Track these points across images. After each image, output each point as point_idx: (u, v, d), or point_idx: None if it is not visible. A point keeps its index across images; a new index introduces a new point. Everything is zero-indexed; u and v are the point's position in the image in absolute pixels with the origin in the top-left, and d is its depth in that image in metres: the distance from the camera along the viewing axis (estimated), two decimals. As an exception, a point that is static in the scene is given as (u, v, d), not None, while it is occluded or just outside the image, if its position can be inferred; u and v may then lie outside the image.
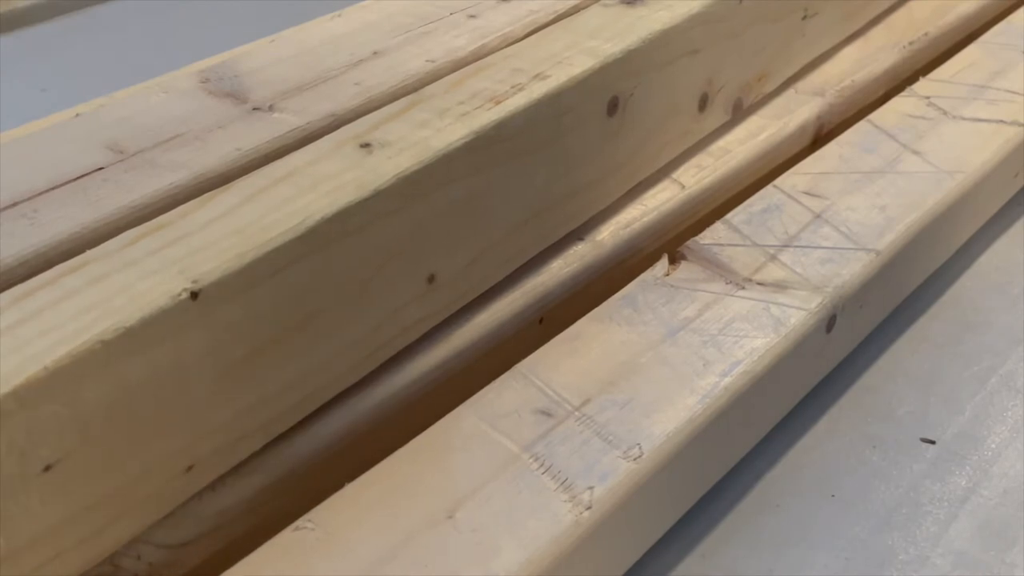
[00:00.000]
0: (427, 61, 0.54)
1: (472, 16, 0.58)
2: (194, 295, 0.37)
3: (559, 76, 0.50)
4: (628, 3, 0.57)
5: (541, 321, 0.52)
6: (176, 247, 0.39)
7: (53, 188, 0.44)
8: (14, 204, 0.43)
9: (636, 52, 0.53)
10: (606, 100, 0.53)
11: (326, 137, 0.46)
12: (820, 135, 0.68)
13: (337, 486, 0.40)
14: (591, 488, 0.41)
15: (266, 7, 0.96)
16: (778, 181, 0.59)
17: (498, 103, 0.48)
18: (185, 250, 0.39)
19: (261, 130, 0.48)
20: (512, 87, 0.49)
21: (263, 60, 0.55)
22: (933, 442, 0.52)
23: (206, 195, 0.42)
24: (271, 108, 0.50)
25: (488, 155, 0.47)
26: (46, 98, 0.85)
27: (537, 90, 0.49)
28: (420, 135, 0.46)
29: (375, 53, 0.55)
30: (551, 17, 0.59)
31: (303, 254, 0.40)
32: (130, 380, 0.36)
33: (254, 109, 0.50)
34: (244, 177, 0.43)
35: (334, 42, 0.56)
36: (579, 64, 0.51)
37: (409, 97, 0.49)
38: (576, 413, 0.44)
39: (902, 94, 0.67)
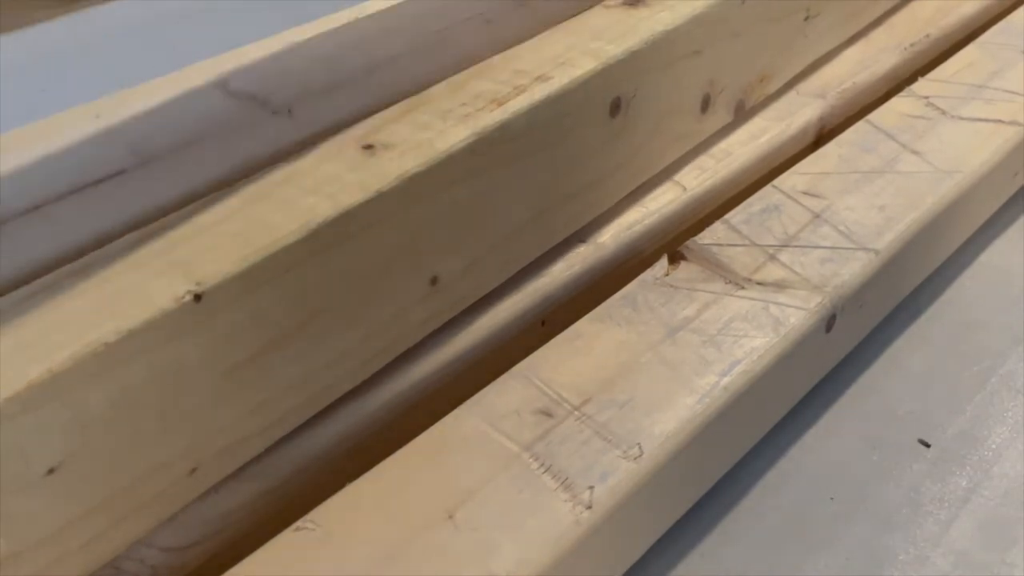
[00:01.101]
0: (444, 66, 0.54)
1: (488, 21, 0.58)
2: (197, 297, 0.37)
3: (561, 78, 0.50)
4: (630, 4, 0.57)
5: (543, 323, 0.53)
6: (179, 249, 0.39)
7: (75, 191, 0.44)
8: (36, 207, 0.43)
9: (638, 53, 0.53)
10: (608, 101, 0.53)
11: (329, 139, 0.46)
12: (822, 136, 0.68)
13: (339, 488, 0.41)
14: (591, 488, 0.41)
15: (266, 7, 0.96)
16: (777, 181, 0.59)
17: (500, 105, 0.48)
18: (188, 252, 0.39)
19: (281, 133, 0.48)
20: (514, 88, 0.49)
21: (282, 63, 0.55)
22: (928, 445, 0.53)
23: (209, 196, 0.42)
24: (291, 111, 0.50)
25: (490, 157, 0.47)
26: (46, 98, 0.85)
27: (539, 92, 0.49)
28: (423, 136, 0.46)
29: (392, 57, 0.55)
30: (560, 21, 0.59)
31: (306, 256, 0.40)
32: (133, 382, 0.36)
33: (274, 112, 0.50)
34: (247, 179, 0.44)
35: (352, 45, 0.56)
36: (581, 65, 0.51)
37: (411, 99, 0.49)
38: (576, 413, 0.44)
39: (901, 94, 0.67)
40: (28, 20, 0.42)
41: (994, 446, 0.53)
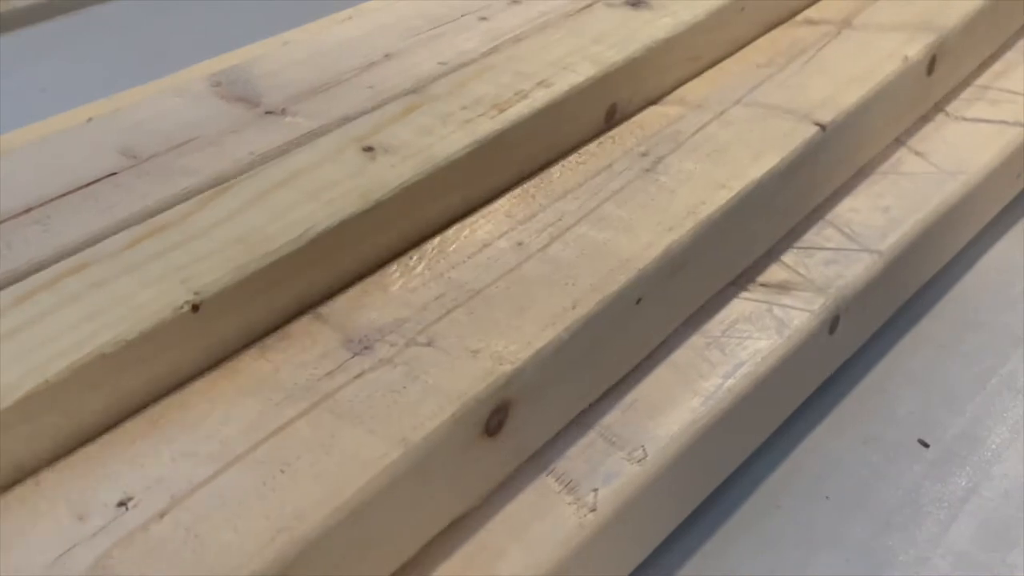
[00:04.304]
0: (439, 64, 0.54)
1: (483, 18, 0.58)
2: (195, 308, 0.37)
3: (561, 85, 0.49)
4: (633, 5, 0.57)
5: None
6: (178, 252, 0.39)
7: (66, 194, 0.44)
8: (28, 210, 0.43)
9: (638, 60, 0.53)
10: (605, 107, 0.52)
11: (327, 137, 0.46)
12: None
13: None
14: (595, 490, 0.41)
15: (267, 7, 0.96)
16: (780, 182, 0.59)
17: (501, 111, 0.47)
18: (187, 256, 0.39)
19: (275, 134, 0.48)
20: (515, 93, 0.49)
21: (275, 63, 0.54)
22: (928, 445, 0.53)
23: (206, 195, 0.42)
24: (284, 112, 0.50)
25: (489, 162, 0.47)
26: (46, 98, 0.85)
27: (540, 99, 0.49)
28: (423, 142, 0.45)
29: (387, 56, 0.55)
30: (561, 19, 0.59)
31: (304, 264, 0.40)
32: (129, 391, 0.36)
33: (267, 113, 0.50)
34: (244, 178, 0.43)
35: (346, 44, 0.56)
36: (582, 72, 0.51)
37: (410, 98, 0.49)
38: (580, 415, 0.44)
39: (904, 94, 0.67)
40: (28, 20, 0.42)
41: (994, 446, 0.53)
